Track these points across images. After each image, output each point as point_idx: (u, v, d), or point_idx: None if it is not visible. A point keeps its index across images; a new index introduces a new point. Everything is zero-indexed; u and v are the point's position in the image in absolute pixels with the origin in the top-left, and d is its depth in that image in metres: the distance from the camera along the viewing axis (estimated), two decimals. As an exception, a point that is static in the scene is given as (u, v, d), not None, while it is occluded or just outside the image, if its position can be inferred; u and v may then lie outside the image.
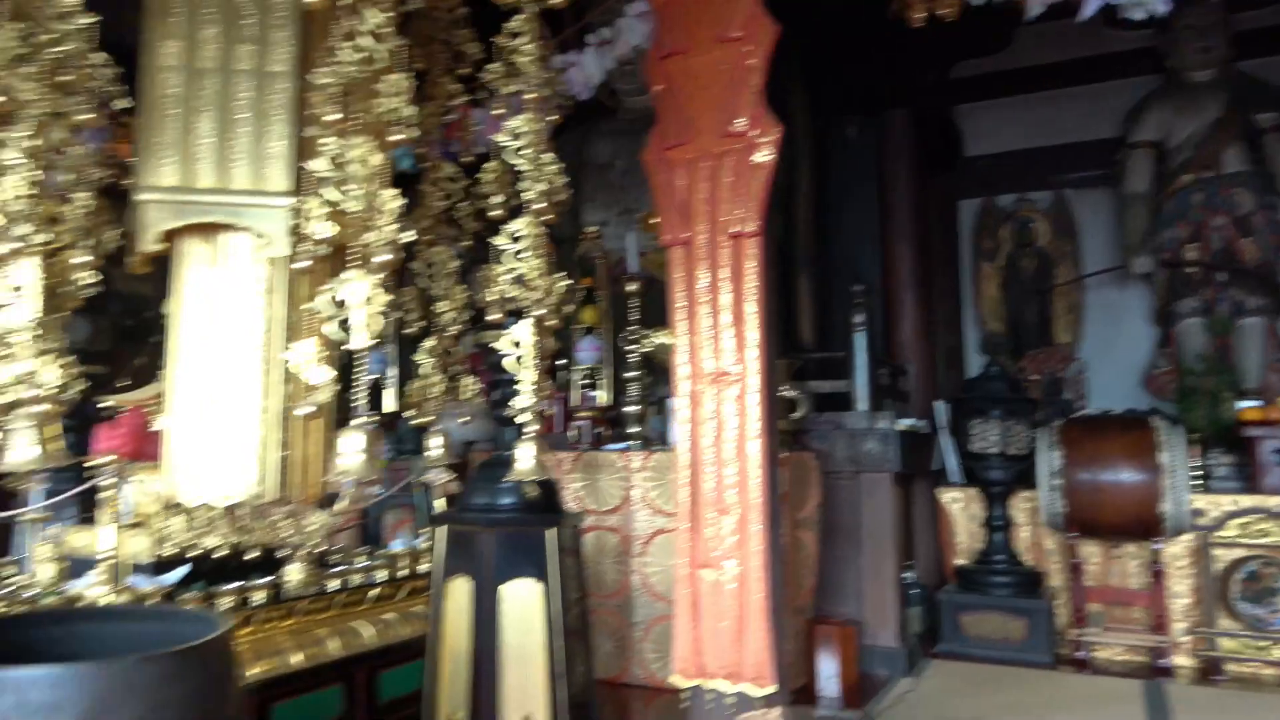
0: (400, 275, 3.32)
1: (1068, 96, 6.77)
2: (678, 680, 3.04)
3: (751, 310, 2.99)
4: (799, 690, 4.30)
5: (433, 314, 3.03)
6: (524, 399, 2.48)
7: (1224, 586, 4.71)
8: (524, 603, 3.15)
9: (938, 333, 6.33)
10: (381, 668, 3.60)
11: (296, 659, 3.25)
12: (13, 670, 1.24)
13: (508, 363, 2.55)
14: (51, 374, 1.92)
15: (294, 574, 3.39)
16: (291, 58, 2.27)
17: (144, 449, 3.16)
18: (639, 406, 4.97)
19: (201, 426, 2.30)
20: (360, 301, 1.96)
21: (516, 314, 2.73)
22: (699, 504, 3.03)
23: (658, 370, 5.14)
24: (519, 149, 2.59)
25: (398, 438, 4.86)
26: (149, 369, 4.07)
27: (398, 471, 4.35)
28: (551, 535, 3.19)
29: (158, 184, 2.25)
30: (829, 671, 4.44)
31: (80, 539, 3.52)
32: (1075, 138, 6.75)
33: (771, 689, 2.89)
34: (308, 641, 3.32)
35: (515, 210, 2.69)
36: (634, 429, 4.94)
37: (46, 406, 1.91)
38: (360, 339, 1.97)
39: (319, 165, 2.01)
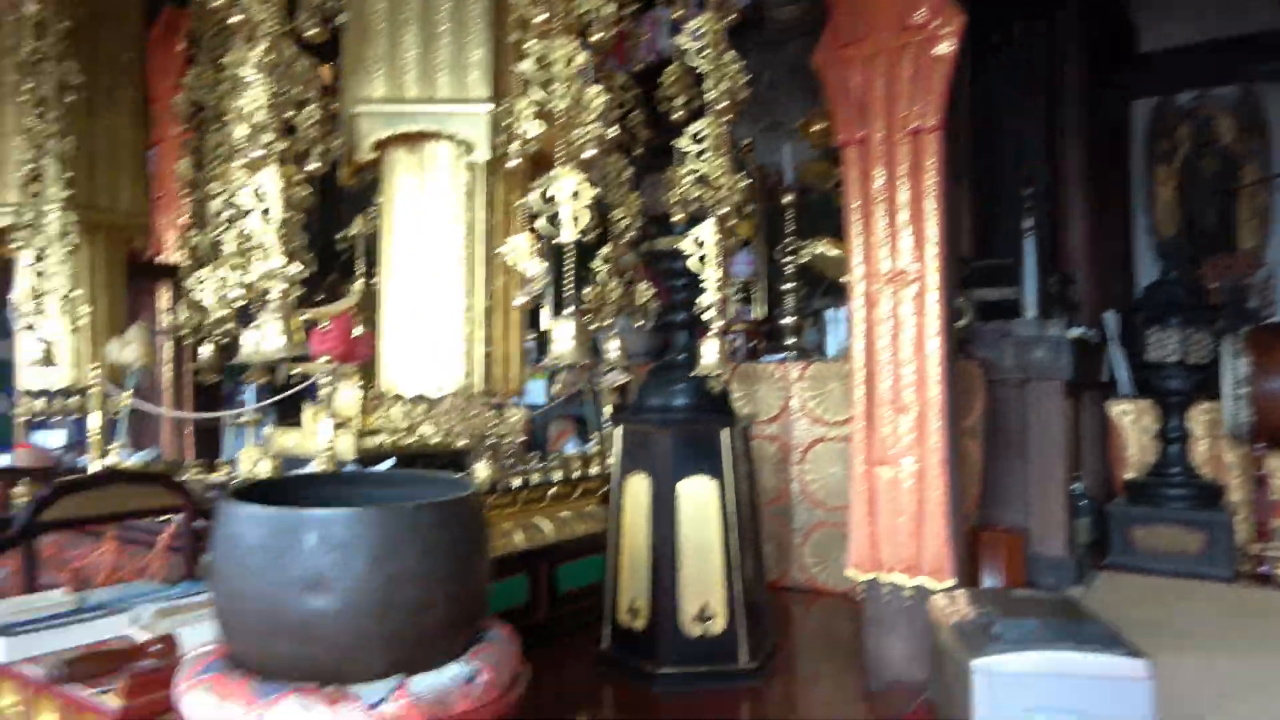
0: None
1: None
2: (853, 574, 3.11)
3: (931, 208, 2.94)
4: (963, 596, 4.31)
5: (609, 221, 3.12)
6: (709, 295, 2.55)
7: None
8: (700, 499, 3.28)
9: (1106, 239, 6.02)
10: (559, 561, 3.84)
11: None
12: (318, 511, 1.42)
13: (691, 262, 2.62)
14: (296, 269, 2.11)
15: (481, 470, 3.65)
16: (487, -33, 2.36)
17: (353, 352, 3.43)
18: (795, 318, 4.97)
19: (412, 326, 2.47)
20: (568, 196, 2.05)
21: (692, 220, 2.79)
22: (875, 403, 3.05)
23: (814, 281, 5.12)
24: (700, 49, 2.61)
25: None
26: (337, 285, 4.35)
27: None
28: (726, 435, 3.29)
29: (369, 96, 2.40)
30: (993, 580, 4.43)
31: (288, 439, 3.87)
32: (1264, 25, 6.16)
33: (950, 582, 2.92)
34: (495, 534, 3.57)
35: (695, 113, 2.72)
36: (790, 340, 4.96)
37: (293, 299, 2.11)
38: (568, 233, 2.07)
39: (526, 66, 2.10)
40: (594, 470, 4.17)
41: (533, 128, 2.06)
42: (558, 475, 3.93)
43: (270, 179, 2.08)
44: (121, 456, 3.74)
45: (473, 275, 2.49)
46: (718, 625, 3.22)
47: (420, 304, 2.46)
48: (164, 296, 5.90)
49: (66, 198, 3.54)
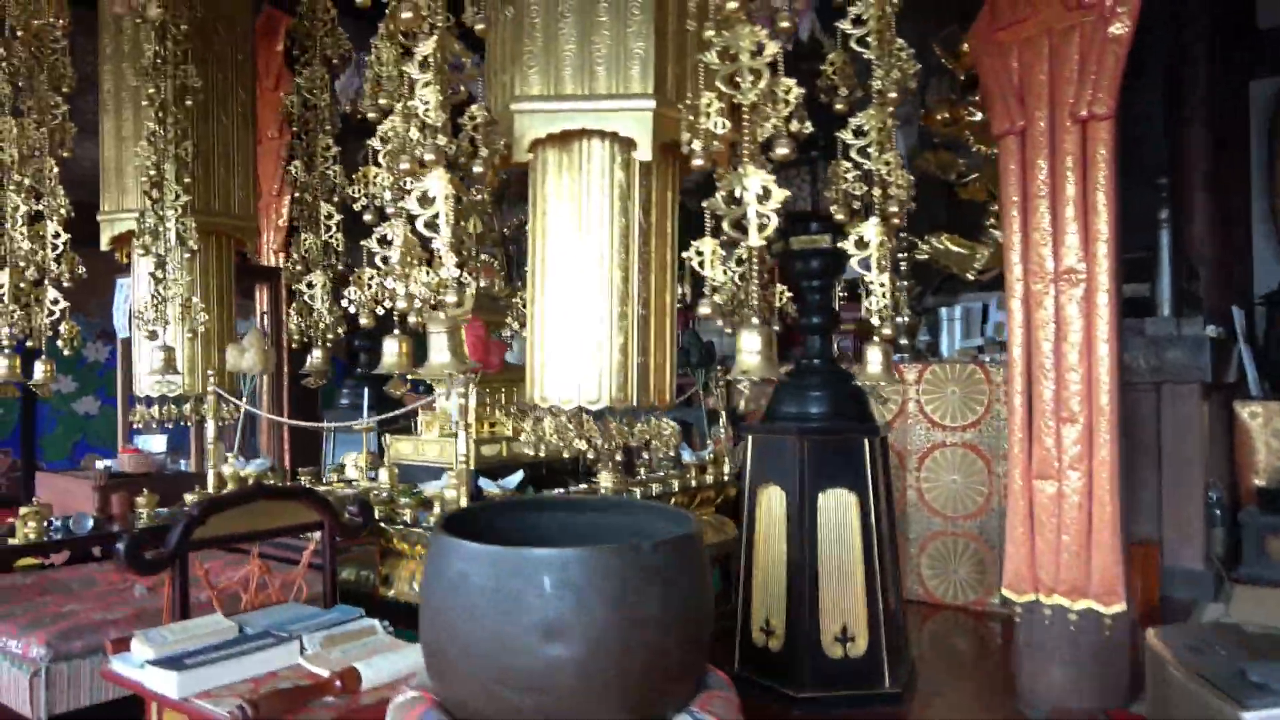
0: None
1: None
2: (1009, 594, 2.93)
3: (1101, 202, 2.74)
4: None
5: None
6: (875, 300, 2.38)
7: None
8: (840, 513, 3.12)
9: (1226, 229, 5.70)
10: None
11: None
12: (554, 551, 1.30)
13: (855, 263, 2.45)
14: (469, 282, 2.00)
15: (605, 480, 3.54)
16: (647, -47, 2.22)
17: (489, 359, 3.33)
18: (908, 318, 4.76)
19: (565, 334, 2.35)
20: (756, 197, 1.91)
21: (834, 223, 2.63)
22: (1036, 413, 2.86)
23: (932, 277, 4.91)
24: (864, 36, 2.44)
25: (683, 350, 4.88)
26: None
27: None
28: (867, 445, 3.13)
29: (525, 92, 2.28)
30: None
31: (404, 446, 3.80)
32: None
33: (1120, 607, 2.73)
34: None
35: (856, 104, 2.56)
36: (903, 341, 4.76)
37: (464, 311, 2.00)
38: (755, 236, 1.94)
39: (710, 58, 1.96)
40: (709, 479, 4.04)
41: (721, 124, 1.92)
42: (676, 485, 3.81)
43: (439, 183, 1.97)
44: (236, 465, 3.71)
45: (628, 281, 2.36)
46: (859, 646, 3.07)
47: (573, 311, 2.33)
48: (262, 299, 5.92)
49: (186, 203, 3.50)
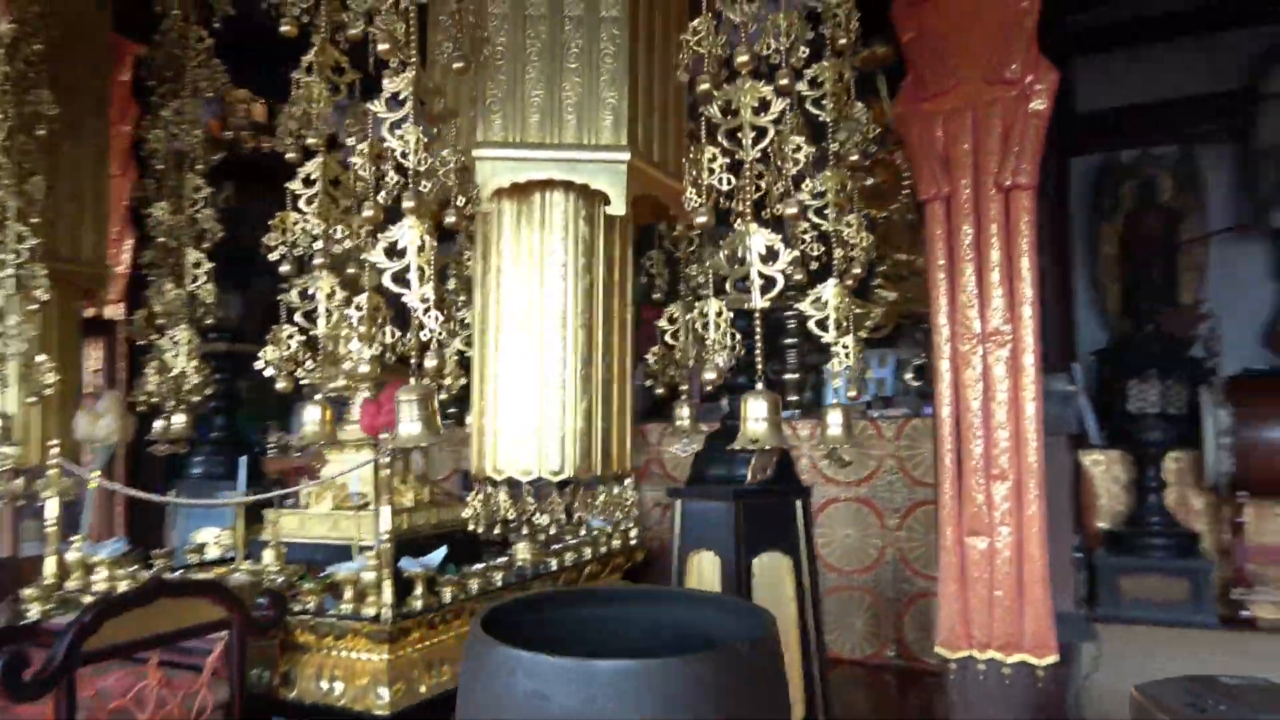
0: (648, 237, 3.18)
1: (1180, 48, 6.58)
2: (943, 652, 2.95)
3: (1026, 266, 2.87)
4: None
5: (682, 278, 2.90)
6: (838, 362, 2.35)
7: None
8: (774, 577, 3.06)
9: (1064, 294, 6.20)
10: (598, 644, 3.52)
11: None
12: (632, 663, 1.13)
13: (813, 325, 2.42)
14: (451, 344, 1.79)
15: (522, 552, 3.31)
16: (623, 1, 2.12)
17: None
18: (797, 374, 4.84)
19: (519, 400, 2.17)
20: (760, 257, 1.82)
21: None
22: (966, 470, 2.92)
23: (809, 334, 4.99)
24: (820, 98, 2.44)
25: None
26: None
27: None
28: (799, 507, 3.09)
29: (487, 138, 2.11)
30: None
31: (290, 521, 3.41)
32: (1197, 90, 6.56)
33: (1053, 658, 2.80)
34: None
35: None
36: (793, 397, 4.83)
37: (448, 378, 1.78)
38: (758, 298, 1.85)
39: (713, 112, 1.87)
40: (617, 543, 3.88)
41: (723, 181, 1.83)
42: (589, 553, 3.62)
43: (412, 232, 1.76)
44: (85, 550, 3.19)
45: (592, 341, 2.22)
46: (797, 713, 2.99)
47: (531, 374, 2.16)
48: (93, 356, 5.23)
49: (33, 246, 3.03)
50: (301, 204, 2.36)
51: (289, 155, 2.42)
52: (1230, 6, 6.36)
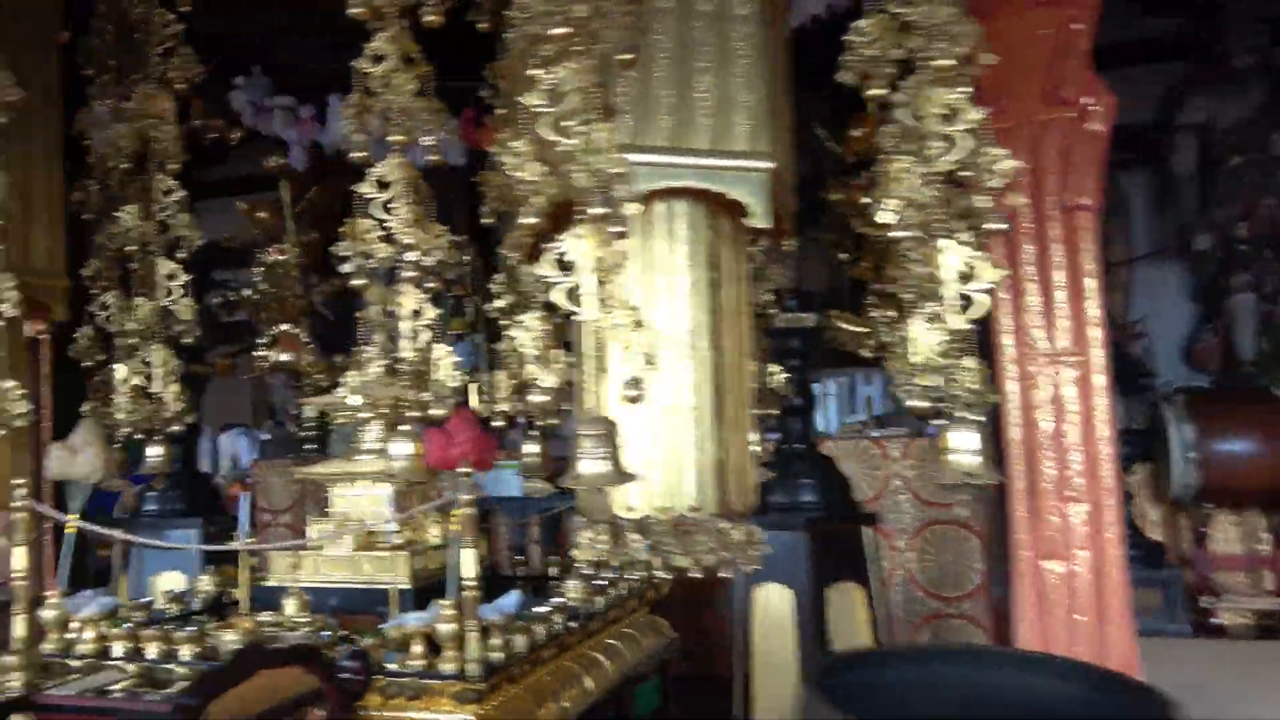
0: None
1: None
2: (1020, 679, 2.88)
3: (1091, 287, 2.85)
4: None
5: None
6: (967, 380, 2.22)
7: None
8: (846, 607, 2.93)
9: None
10: (634, 683, 3.29)
11: (589, 684, 2.92)
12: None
13: (925, 345, 2.30)
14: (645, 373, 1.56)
15: (573, 591, 3.05)
16: (758, -1, 1.96)
17: (485, 456, 2.74)
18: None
19: (655, 428, 1.96)
20: (959, 274, 1.68)
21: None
22: (1039, 493, 2.87)
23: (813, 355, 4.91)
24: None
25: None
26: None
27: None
28: (869, 535, 2.98)
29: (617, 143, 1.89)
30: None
31: (305, 565, 3.03)
32: (1118, 120, 6.91)
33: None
34: (588, 663, 2.99)
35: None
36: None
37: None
38: (958, 320, 1.70)
39: (903, 116, 1.72)
40: (642, 575, 3.65)
41: (916, 192, 1.67)
42: (626, 589, 3.38)
43: (583, 243, 1.53)
44: (68, 606, 2.73)
45: (722, 366, 2.03)
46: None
47: (663, 402, 1.95)
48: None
49: (-3, 255, 2.59)
50: (374, 209, 2.06)
51: (355, 154, 2.12)
52: (1145, 44, 6.74)
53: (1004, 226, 1.73)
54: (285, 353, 5.34)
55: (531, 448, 2.76)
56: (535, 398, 1.65)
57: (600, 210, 1.52)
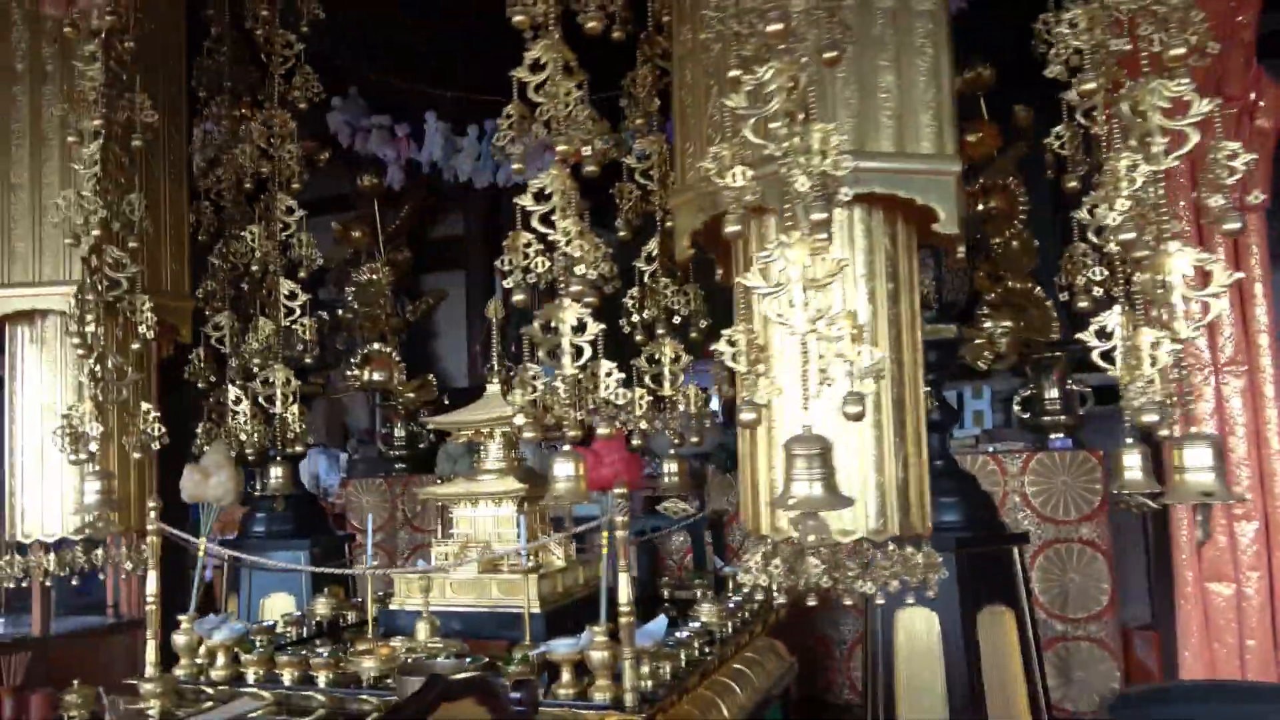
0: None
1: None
2: (1189, 708, 2.71)
3: (1260, 291, 2.68)
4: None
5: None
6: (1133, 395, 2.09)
7: None
8: (996, 631, 2.79)
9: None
10: (763, 707, 3.17)
11: (725, 712, 2.81)
12: None
13: (1097, 357, 2.16)
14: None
15: (706, 613, 2.96)
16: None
17: (635, 476, 2.68)
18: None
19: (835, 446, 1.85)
20: (1185, 281, 1.56)
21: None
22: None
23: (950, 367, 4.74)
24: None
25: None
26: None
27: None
28: (1016, 555, 2.84)
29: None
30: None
31: (419, 587, 2.98)
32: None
33: (1315, 712, 2.59)
34: (722, 689, 2.89)
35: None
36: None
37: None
38: (1185, 326, 1.58)
39: (1124, 112, 1.61)
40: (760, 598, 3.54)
41: (1152, 193, 1.56)
42: (749, 613, 3.28)
43: (790, 254, 1.44)
44: (199, 629, 2.71)
45: (904, 379, 1.92)
46: (1032, 782, 2.71)
47: (828, 416, 1.83)
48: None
49: (134, 275, 2.58)
50: (535, 222, 2.00)
51: (515, 167, 2.06)
52: None
53: (1239, 226, 1.60)
54: (377, 371, 5.35)
55: (671, 466, 2.67)
56: (746, 415, 1.55)
57: (819, 216, 1.43)
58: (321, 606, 3.25)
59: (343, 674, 2.57)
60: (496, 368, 3.05)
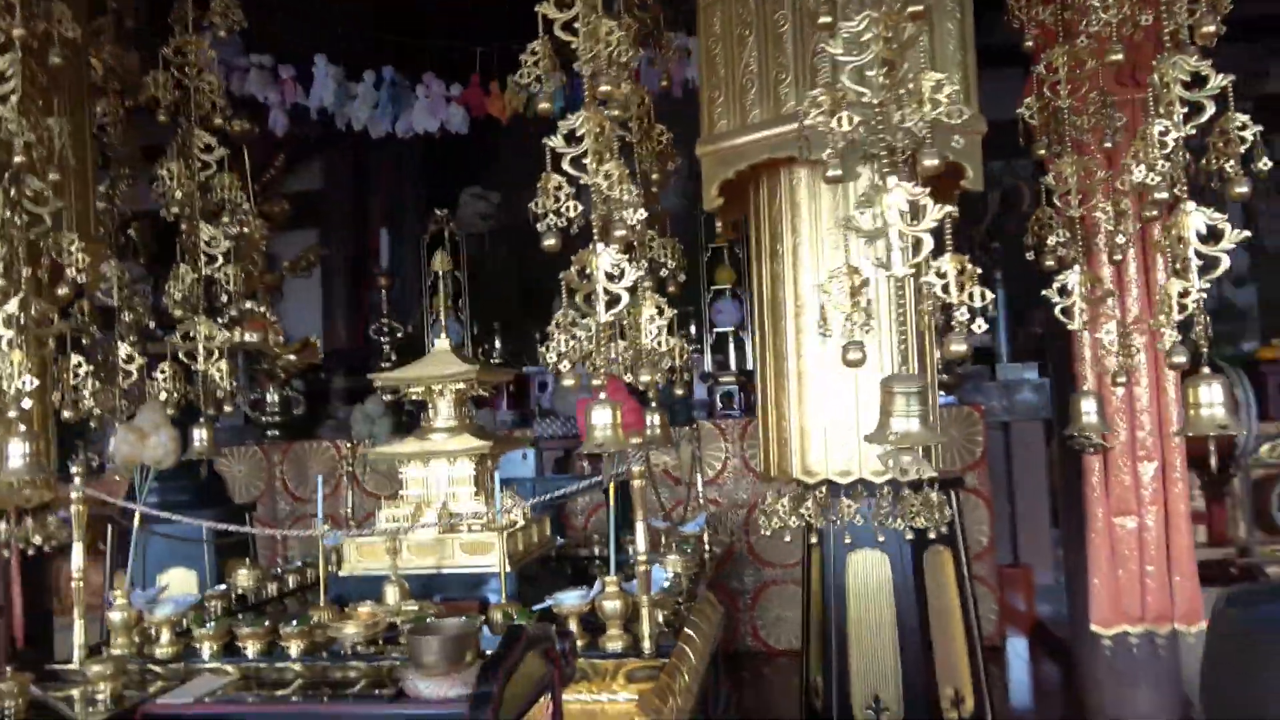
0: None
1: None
2: (1098, 629, 3.04)
3: (1160, 261, 3.01)
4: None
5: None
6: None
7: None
8: (940, 572, 3.00)
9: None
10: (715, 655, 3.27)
11: (693, 659, 2.87)
12: None
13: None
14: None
15: (674, 565, 3.00)
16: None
17: (640, 427, 2.63)
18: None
19: (828, 392, 1.97)
20: (1200, 236, 1.73)
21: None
22: (1111, 454, 3.03)
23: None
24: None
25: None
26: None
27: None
28: (953, 497, 3.05)
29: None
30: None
31: (375, 550, 2.84)
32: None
33: (1201, 625, 2.97)
34: (686, 639, 2.95)
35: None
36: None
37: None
38: (1197, 278, 1.75)
39: (1155, 80, 1.74)
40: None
41: (1176, 158, 1.71)
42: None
43: (898, 195, 1.49)
44: (136, 601, 2.45)
45: (925, 329, 2.04)
46: (968, 707, 2.94)
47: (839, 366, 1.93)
48: None
49: (54, 212, 2.27)
50: (566, 165, 1.94)
51: (543, 105, 1.98)
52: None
53: (1246, 190, 1.79)
54: (251, 332, 4.95)
55: (654, 419, 2.68)
56: (852, 354, 1.59)
57: (932, 161, 1.49)
58: (244, 579, 3.02)
59: (313, 644, 2.42)
60: (444, 323, 2.94)
